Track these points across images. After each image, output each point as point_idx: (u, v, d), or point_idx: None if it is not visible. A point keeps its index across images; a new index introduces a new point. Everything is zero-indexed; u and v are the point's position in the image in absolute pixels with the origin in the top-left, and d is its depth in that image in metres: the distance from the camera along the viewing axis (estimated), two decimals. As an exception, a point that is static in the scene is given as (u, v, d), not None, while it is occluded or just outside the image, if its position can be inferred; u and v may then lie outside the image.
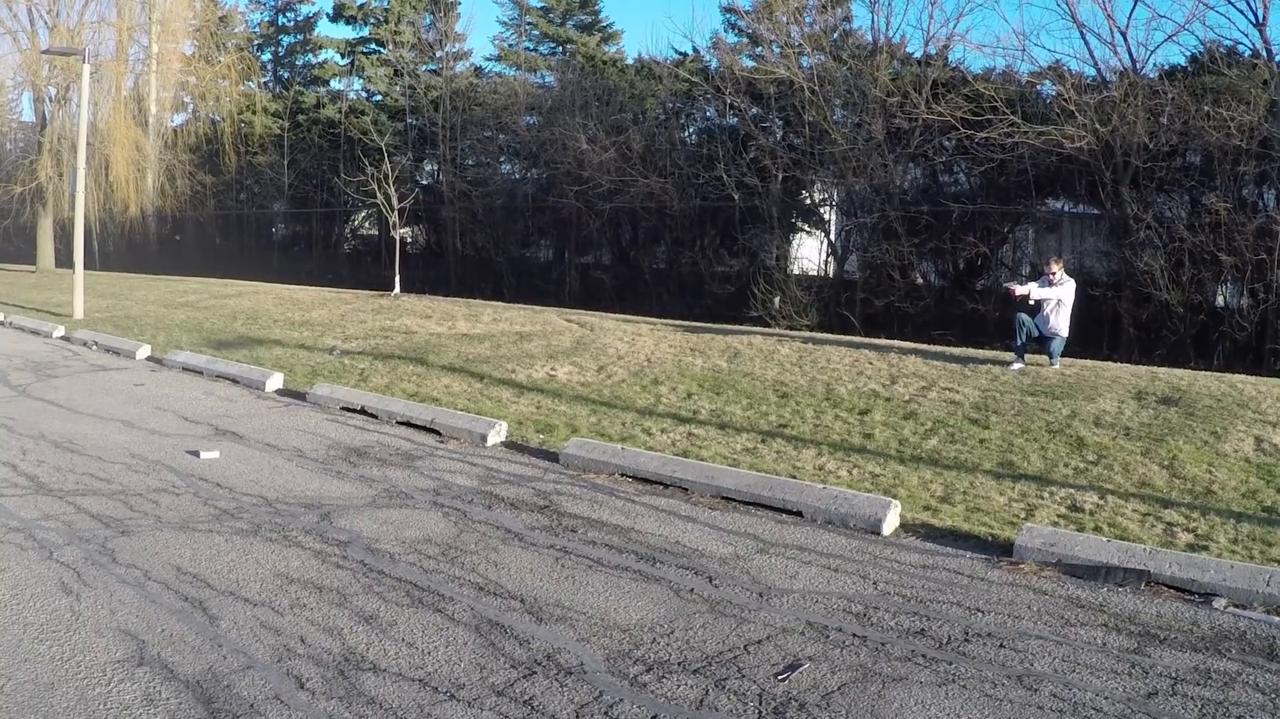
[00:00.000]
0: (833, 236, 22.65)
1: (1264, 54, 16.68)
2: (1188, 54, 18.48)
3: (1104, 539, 7.19)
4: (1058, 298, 12.56)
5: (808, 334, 17.13)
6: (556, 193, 25.72)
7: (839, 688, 4.93)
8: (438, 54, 34.66)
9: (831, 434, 10.53)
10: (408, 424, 11.39)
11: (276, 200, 37.29)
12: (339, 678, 4.88)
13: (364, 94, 37.13)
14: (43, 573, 6.14)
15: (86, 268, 23.90)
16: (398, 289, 23.49)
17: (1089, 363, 13.29)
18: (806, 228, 23.79)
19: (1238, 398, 10.94)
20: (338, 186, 29.77)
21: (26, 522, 7.21)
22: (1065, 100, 17.10)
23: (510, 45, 40.37)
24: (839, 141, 20.12)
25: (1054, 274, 12.72)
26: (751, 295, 20.43)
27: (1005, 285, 13.97)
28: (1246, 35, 21.15)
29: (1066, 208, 19.69)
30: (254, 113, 35.50)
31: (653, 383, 12.92)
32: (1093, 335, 16.54)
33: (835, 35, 23.54)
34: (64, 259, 31.83)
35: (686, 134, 25.50)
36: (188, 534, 7.08)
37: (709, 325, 17.64)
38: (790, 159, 21.40)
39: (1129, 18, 23.83)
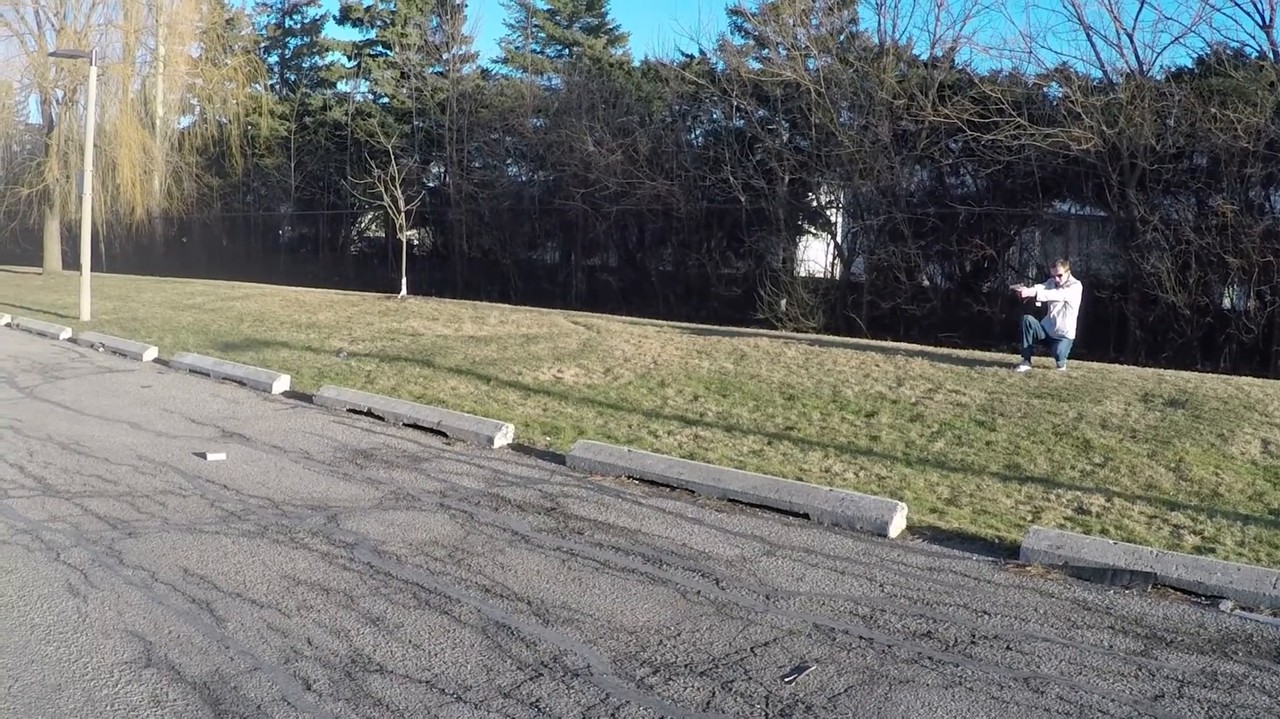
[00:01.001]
0: (839, 239, 22.64)
1: (1271, 56, 16.65)
2: (1194, 56, 18.49)
3: (1110, 541, 7.18)
4: (1064, 300, 12.54)
5: (814, 336, 17.12)
6: (563, 195, 25.72)
7: (845, 690, 4.93)
8: (444, 56, 34.69)
9: (838, 436, 10.52)
10: (414, 426, 11.41)
11: (283, 202, 37.33)
12: (346, 679, 4.88)
13: (370, 96, 37.16)
14: (50, 574, 6.15)
15: (93, 270, 23.94)
16: (404, 291, 23.50)
17: (1095, 365, 13.27)
18: (813, 230, 23.78)
19: (1244, 400, 10.92)
20: (344, 189, 29.81)
21: (34, 523, 7.23)
22: (1072, 102, 17.07)
23: (517, 47, 40.37)
24: (845, 144, 20.10)
25: (1060, 276, 12.70)
26: (758, 298, 20.41)
27: (1012, 287, 13.95)
28: (1253, 37, 21.08)
29: (1073, 210, 19.66)
30: (261, 115, 35.55)
31: (659, 385, 12.92)
32: (1099, 337, 16.51)
33: (842, 37, 23.54)
34: (71, 261, 31.86)
35: (693, 136, 25.48)
36: (195, 536, 7.10)
37: (715, 328, 17.63)
38: (797, 161, 21.38)
39: (1135, 20, 23.77)
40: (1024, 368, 12.58)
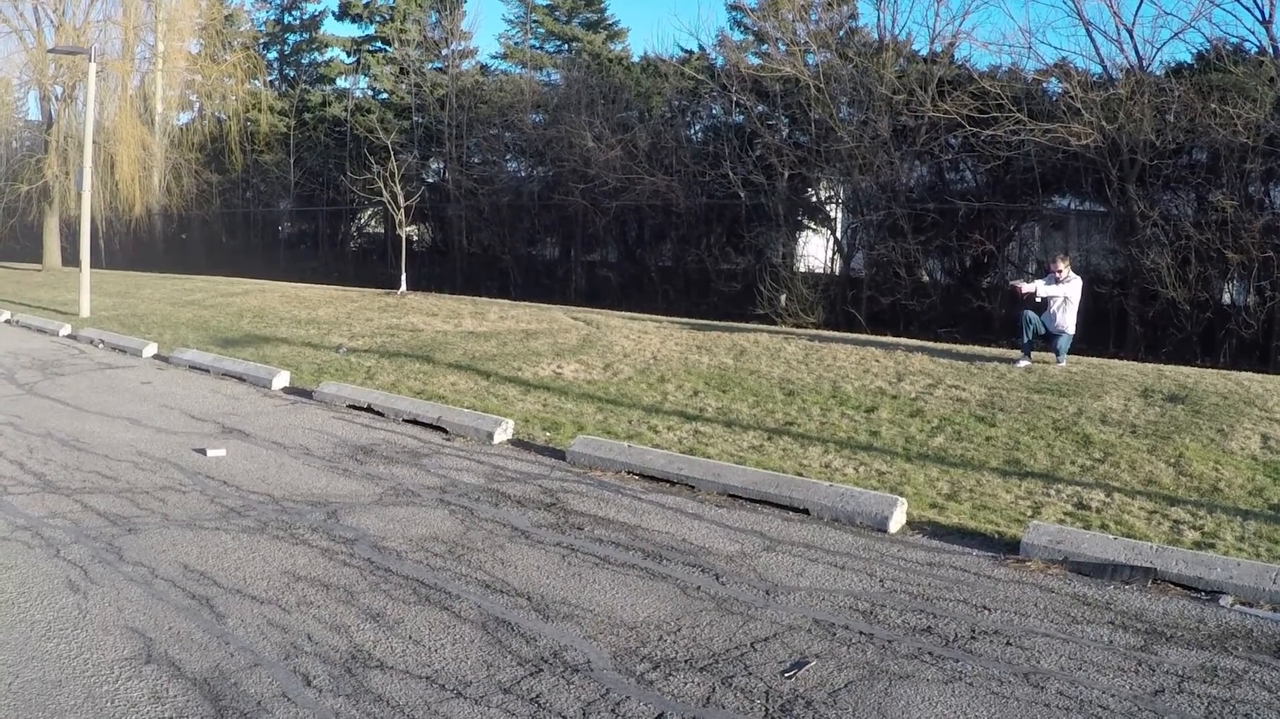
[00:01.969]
0: (839, 234, 22.62)
1: (1271, 51, 16.63)
2: (1194, 51, 18.43)
3: (1110, 537, 7.18)
4: (1064, 295, 12.54)
5: (814, 332, 17.11)
6: (562, 190, 25.71)
7: (845, 685, 4.93)
8: (443, 52, 34.66)
9: (838, 432, 10.52)
10: (414, 422, 11.41)
11: (282, 198, 37.31)
12: (346, 675, 4.89)
13: (370, 92, 37.15)
14: (50, 570, 6.16)
15: (93, 266, 23.93)
16: (404, 287, 23.50)
17: (1095, 360, 13.27)
18: (813, 225, 23.75)
19: (1244, 395, 10.92)
20: (344, 185, 29.76)
21: (34, 519, 7.23)
22: (1071, 98, 17.06)
23: (516, 43, 40.35)
24: (845, 139, 20.09)
25: (1060, 272, 12.70)
26: (758, 293, 20.40)
27: (1012, 283, 13.94)
28: (1253, 32, 21.10)
29: (1073, 205, 19.64)
30: (260, 111, 35.50)
31: (659, 380, 12.92)
32: (1099, 333, 16.51)
33: (841, 33, 23.50)
34: (70, 257, 31.84)
35: (692, 132, 25.46)
36: (195, 532, 7.10)
37: (715, 323, 17.63)
38: (796, 157, 21.36)
39: (1135, 15, 23.80)
40: (1024, 363, 12.58)
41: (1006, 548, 7.22)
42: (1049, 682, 5.01)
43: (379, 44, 38.00)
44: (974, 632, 5.64)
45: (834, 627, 5.66)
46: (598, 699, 4.72)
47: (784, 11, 22.85)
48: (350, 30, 57.41)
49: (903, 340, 15.37)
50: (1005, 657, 5.31)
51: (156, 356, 16.52)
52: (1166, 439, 9.64)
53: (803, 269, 22.77)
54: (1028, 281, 13.17)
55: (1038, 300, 12.69)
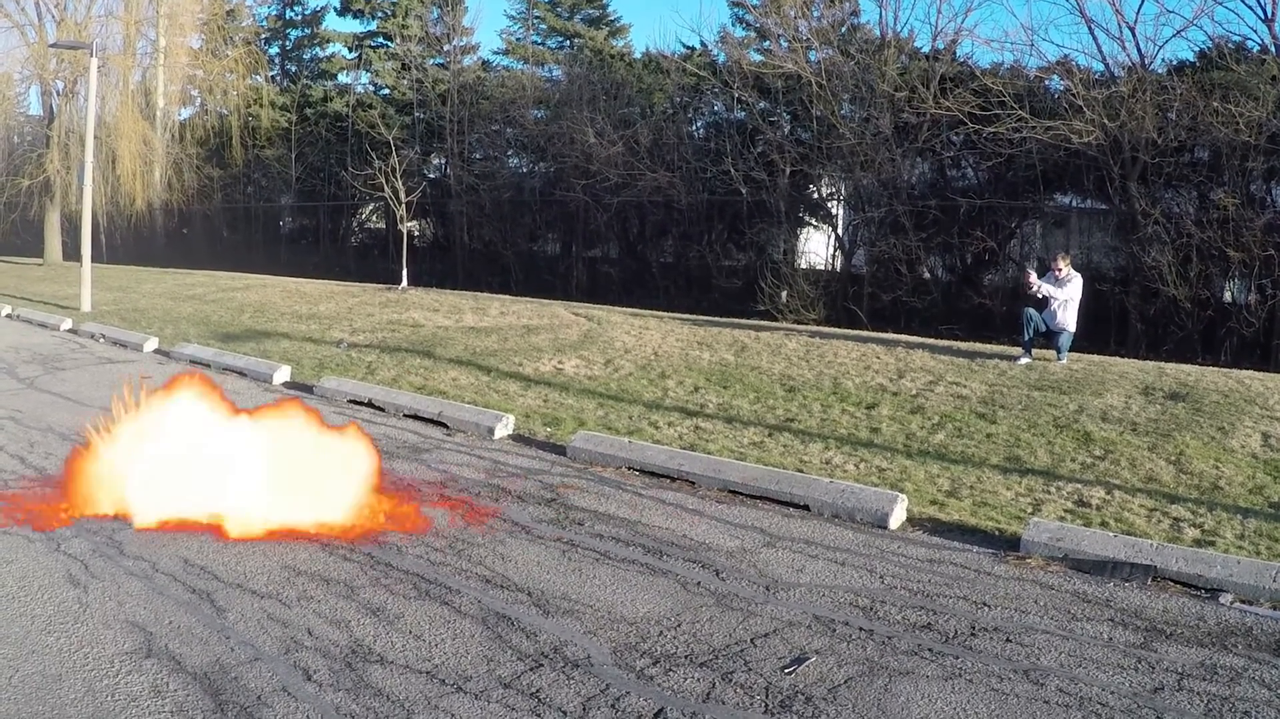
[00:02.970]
0: (840, 231, 22.62)
1: (1273, 49, 16.62)
2: (1196, 49, 18.42)
3: (1111, 534, 7.18)
4: (1066, 296, 12.54)
5: (815, 328, 17.11)
6: (564, 186, 25.72)
7: (845, 681, 4.93)
8: (445, 48, 34.64)
9: (839, 428, 10.52)
10: (415, 417, 11.41)
11: (284, 194, 37.33)
12: (346, 670, 4.89)
13: (371, 88, 37.12)
14: (50, 565, 6.16)
15: (94, 261, 23.94)
16: (405, 282, 23.49)
17: (1096, 358, 13.27)
18: (814, 222, 23.76)
19: (1245, 393, 10.91)
20: (345, 180, 29.77)
21: (35, 513, 7.23)
22: (1073, 95, 17.06)
23: (518, 39, 40.30)
24: (847, 136, 20.08)
25: (1060, 270, 12.69)
26: (759, 289, 20.41)
27: (1023, 272, 13.90)
28: (1255, 31, 21.13)
29: (1074, 203, 19.64)
30: (261, 106, 35.48)
31: (660, 376, 12.92)
32: (1100, 331, 16.51)
33: (843, 29, 23.49)
34: (71, 252, 31.85)
35: (694, 128, 25.46)
36: (195, 526, 7.10)
37: (716, 319, 17.63)
38: (798, 153, 21.36)
39: (1137, 13, 23.61)
40: (1025, 360, 12.58)
41: (1007, 545, 7.22)
42: (1049, 678, 5.02)
43: (381, 39, 37.97)
44: (974, 628, 5.65)
45: (834, 623, 5.67)
46: (598, 694, 4.72)
47: (786, 8, 22.84)
48: (352, 25, 57.25)
49: (904, 337, 15.37)
50: (1005, 653, 5.31)
51: (158, 351, 16.52)
52: (1167, 437, 9.63)
53: (804, 266, 22.78)
54: (1036, 276, 13.17)
55: (1039, 298, 12.69)
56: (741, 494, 8.43)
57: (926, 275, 20.51)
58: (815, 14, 23.20)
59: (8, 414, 10.86)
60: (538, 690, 4.74)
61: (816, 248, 23.75)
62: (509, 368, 13.70)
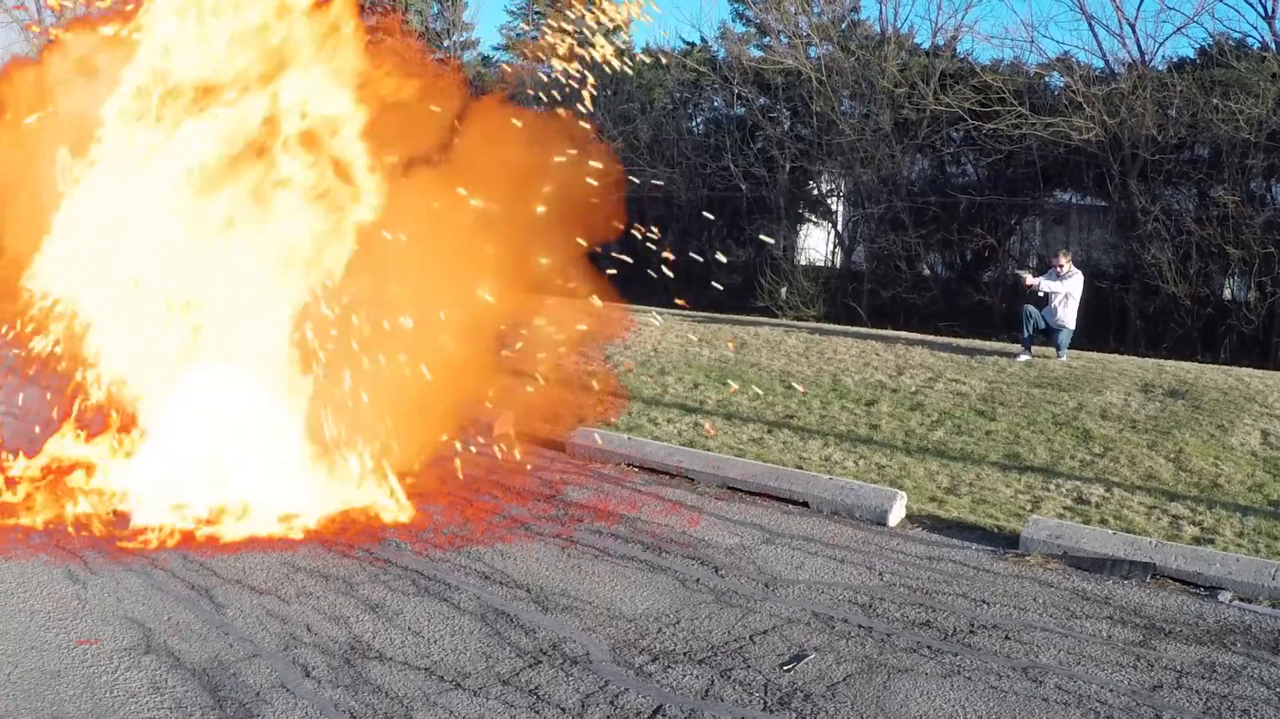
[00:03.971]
0: (840, 227, 22.59)
1: (1273, 46, 16.61)
2: (1196, 46, 18.40)
3: (1110, 532, 7.18)
4: (1066, 291, 12.54)
5: (814, 325, 17.09)
6: (563, 182, 25.65)
7: (844, 679, 4.93)
8: (445, 43, 34.60)
9: (838, 425, 10.52)
10: (414, 413, 11.38)
11: (283, 189, 37.25)
12: (345, 666, 4.89)
13: (371, 83, 37.06)
14: (49, 560, 6.15)
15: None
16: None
17: (1095, 355, 13.26)
18: (814, 218, 23.72)
19: (1245, 391, 10.91)
20: (344, 175, 29.68)
21: (34, 509, 7.22)
22: (1073, 92, 17.03)
23: (518, 35, 40.30)
24: (846, 132, 20.05)
25: (1062, 267, 12.70)
26: (758, 286, 20.37)
27: (1016, 271, 13.91)
28: (1256, 28, 21.11)
29: (1074, 200, 19.60)
30: (261, 101, 35.43)
31: (659, 373, 12.91)
32: (1099, 328, 16.48)
33: (843, 26, 23.45)
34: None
35: (694, 124, 25.40)
36: (194, 522, 7.08)
37: (716, 315, 17.61)
38: (798, 149, 21.32)
39: (1138, 10, 23.60)
40: (1024, 357, 12.57)
41: (1006, 542, 7.22)
42: (1047, 676, 5.02)
43: (381, 35, 37.94)
44: (973, 626, 5.65)
45: (833, 620, 5.67)
46: (596, 691, 4.72)
47: (786, 4, 22.81)
48: (351, 20, 56.98)
49: (903, 334, 15.36)
50: (1004, 651, 5.31)
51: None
52: (1166, 434, 9.63)
53: (803, 262, 22.74)
54: (1031, 274, 13.16)
55: (1039, 295, 12.69)
56: (741, 491, 8.42)
57: (926, 272, 20.48)
58: (815, 10, 23.16)
59: (8, 410, 10.83)
60: (536, 687, 4.74)
61: (816, 244, 23.73)
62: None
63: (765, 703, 4.66)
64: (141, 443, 7.51)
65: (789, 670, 5.00)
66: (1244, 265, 15.86)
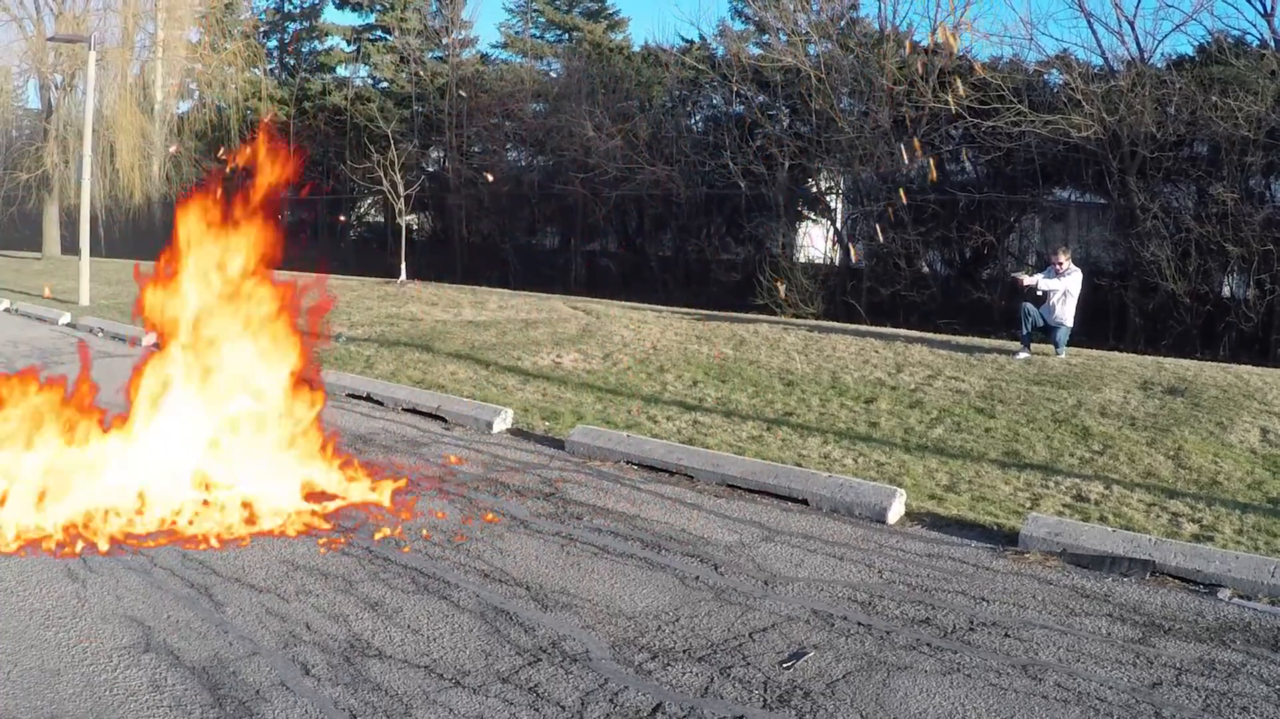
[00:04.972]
0: (839, 225, 22.62)
1: (1272, 44, 16.62)
2: (1195, 44, 18.46)
3: (1109, 529, 7.18)
4: (1064, 288, 12.55)
5: (814, 322, 17.11)
6: (563, 180, 25.69)
7: (844, 676, 4.93)
8: (444, 41, 34.59)
9: (837, 422, 10.52)
10: (413, 411, 11.40)
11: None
12: (344, 664, 4.89)
13: (370, 81, 37.04)
14: (48, 559, 6.15)
15: (92, 254, 23.88)
16: (404, 276, 23.48)
17: (1095, 353, 13.27)
18: (813, 216, 23.77)
19: (1244, 388, 10.92)
20: (343, 173, 29.72)
21: (33, 507, 7.21)
22: (1072, 89, 17.05)
23: (516, 32, 40.28)
24: (845, 130, 20.08)
25: (1061, 264, 12.72)
26: (758, 283, 20.40)
27: (1013, 275, 13.94)
28: (1255, 25, 21.09)
29: (1073, 197, 19.64)
30: (260, 100, 35.40)
31: (658, 370, 12.92)
32: (1099, 325, 16.52)
33: (842, 23, 23.48)
34: (70, 246, 31.74)
35: (693, 122, 25.45)
36: (194, 520, 7.09)
37: (715, 313, 17.63)
38: (797, 147, 21.35)
39: (1137, 7, 23.66)
40: (1023, 355, 12.59)
41: (1005, 540, 7.22)
42: (1047, 673, 5.02)
43: (379, 33, 37.88)
44: (972, 623, 5.65)
45: (832, 617, 5.67)
46: (596, 689, 4.72)
47: (785, 1, 22.83)
48: (350, 19, 56.98)
49: (902, 331, 15.38)
50: (1003, 648, 5.31)
51: (156, 344, 16.48)
52: (1165, 432, 9.64)
53: (803, 260, 22.79)
54: (1028, 274, 13.18)
55: (1039, 293, 12.70)
56: (740, 488, 8.43)
57: (925, 270, 20.53)
58: (814, 7, 23.19)
59: (6, 408, 10.83)
60: (536, 685, 4.74)
61: (815, 242, 23.77)
62: (507, 362, 13.70)
63: (765, 700, 4.67)
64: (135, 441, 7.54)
65: (788, 668, 5.00)
66: (1243, 262, 15.89)
